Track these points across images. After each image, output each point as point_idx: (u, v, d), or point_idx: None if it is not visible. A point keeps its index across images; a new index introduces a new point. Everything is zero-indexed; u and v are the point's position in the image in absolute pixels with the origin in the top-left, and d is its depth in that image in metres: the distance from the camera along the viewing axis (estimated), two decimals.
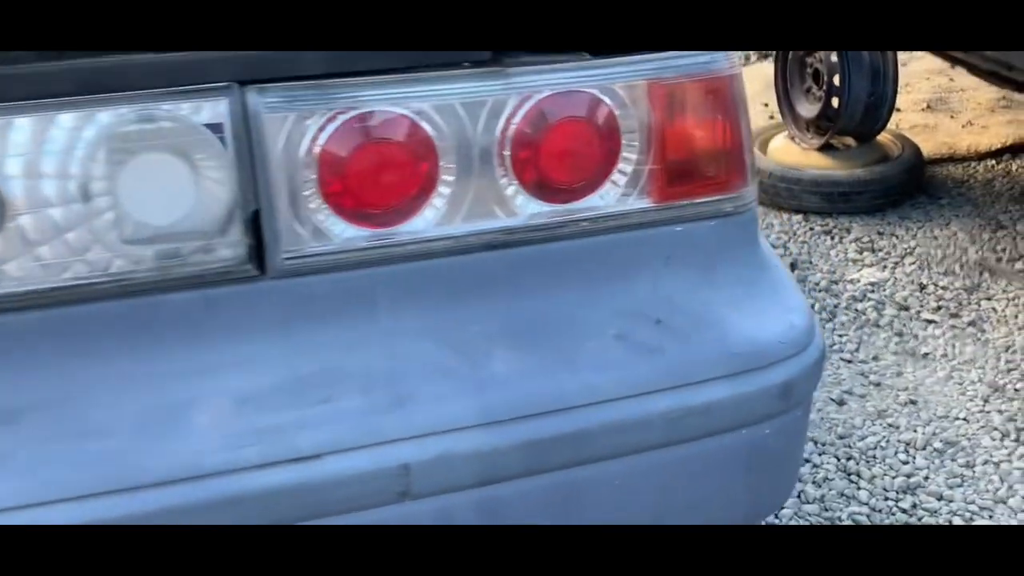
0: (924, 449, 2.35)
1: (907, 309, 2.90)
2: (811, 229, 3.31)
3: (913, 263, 3.12)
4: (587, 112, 1.26)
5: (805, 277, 3.03)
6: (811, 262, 3.12)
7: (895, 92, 3.51)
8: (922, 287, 3.00)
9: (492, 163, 1.24)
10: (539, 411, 1.21)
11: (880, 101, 3.47)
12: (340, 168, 1.19)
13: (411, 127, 1.20)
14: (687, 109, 1.30)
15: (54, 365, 1.14)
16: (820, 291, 2.98)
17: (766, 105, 4.20)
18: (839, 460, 2.31)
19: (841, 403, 2.51)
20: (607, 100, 1.26)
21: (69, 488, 1.08)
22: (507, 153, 1.24)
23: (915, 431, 2.40)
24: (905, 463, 2.31)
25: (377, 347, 1.23)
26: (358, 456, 1.15)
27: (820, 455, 2.33)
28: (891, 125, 3.65)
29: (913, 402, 2.51)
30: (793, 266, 3.07)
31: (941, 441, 2.37)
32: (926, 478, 2.26)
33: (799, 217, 3.37)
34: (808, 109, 3.59)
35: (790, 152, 3.59)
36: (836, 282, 3.02)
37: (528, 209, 1.27)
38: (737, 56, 1.34)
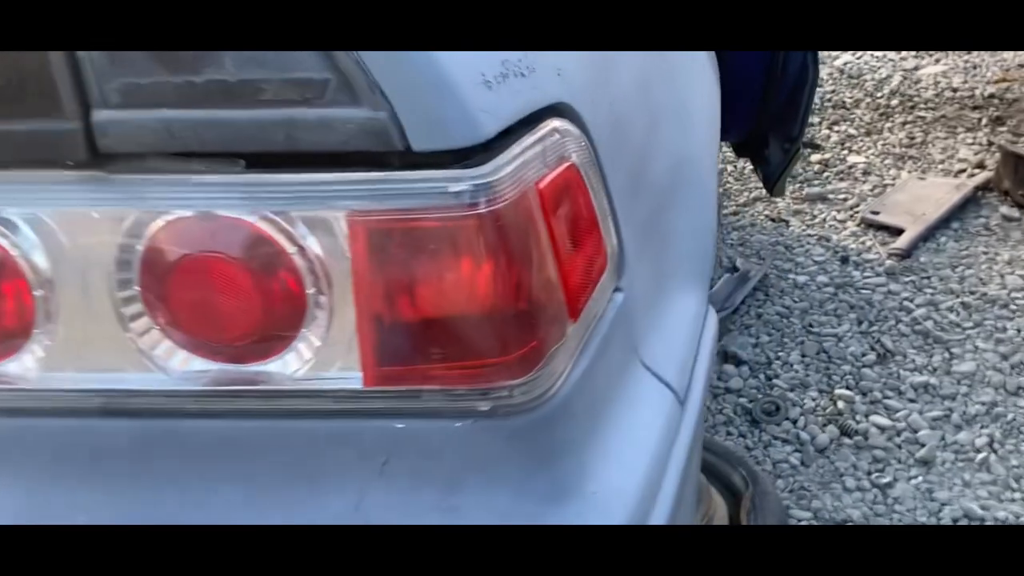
0: None
1: None
2: None
3: None
4: (242, 247, 0.85)
5: None
6: None
7: None
8: None
9: (111, 299, 0.88)
10: None
11: None
12: None
13: None
14: (406, 257, 0.85)
15: None
16: None
17: None
18: None
19: None
20: (274, 234, 0.85)
21: None
22: (134, 290, 0.87)
23: None
24: None
25: None
26: None
27: None
28: None
29: None
30: None
31: None
32: None
33: None
34: None
35: None
36: None
37: (174, 365, 0.89)
38: (511, 186, 0.86)
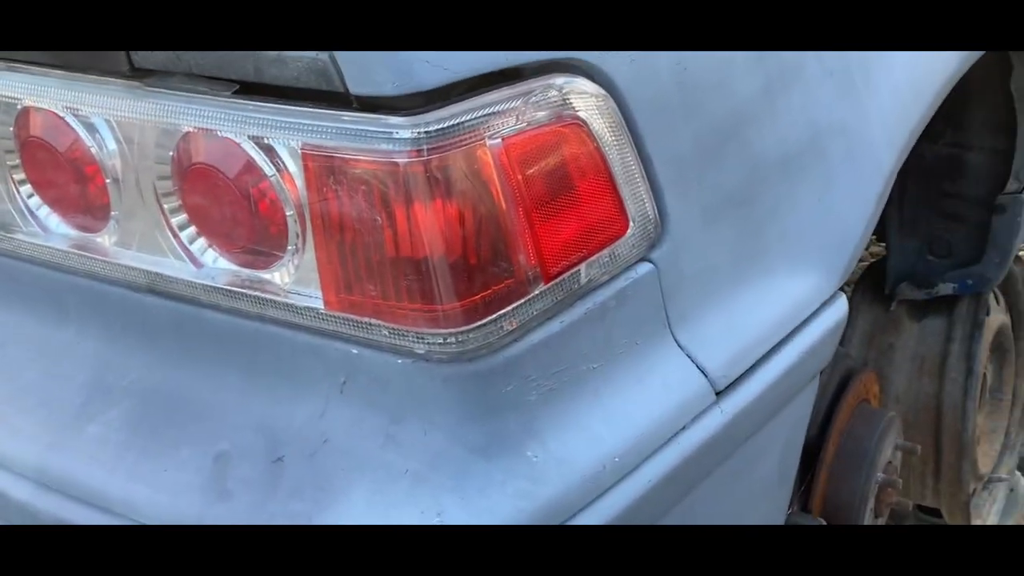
0: None
1: None
2: None
3: None
4: (227, 163, 0.95)
5: None
6: None
7: None
8: None
9: (154, 192, 1.02)
10: (81, 499, 1.02)
11: None
12: (32, 163, 1.10)
13: (72, 134, 1.04)
14: (350, 194, 0.89)
15: None
16: None
17: None
18: None
19: None
20: (254, 155, 0.93)
21: None
22: (172, 188, 1.01)
23: None
24: None
25: (41, 356, 1.14)
26: None
27: None
28: None
29: None
30: None
31: None
32: None
33: None
34: None
35: None
36: None
37: (202, 259, 1.03)
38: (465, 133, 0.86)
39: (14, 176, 1.12)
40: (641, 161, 0.98)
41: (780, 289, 1.13)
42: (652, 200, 1.00)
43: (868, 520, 1.48)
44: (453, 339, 0.90)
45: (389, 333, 0.92)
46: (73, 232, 1.12)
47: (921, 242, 1.85)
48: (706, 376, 1.04)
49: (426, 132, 0.86)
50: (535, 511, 0.91)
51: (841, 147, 1.19)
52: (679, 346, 1.04)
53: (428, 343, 0.91)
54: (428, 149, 0.86)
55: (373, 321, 0.93)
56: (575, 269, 0.95)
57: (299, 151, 0.90)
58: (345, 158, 0.88)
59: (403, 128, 0.86)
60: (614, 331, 0.99)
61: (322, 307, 0.95)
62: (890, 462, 1.53)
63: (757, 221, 1.11)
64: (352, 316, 0.94)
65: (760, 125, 1.10)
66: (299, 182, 0.92)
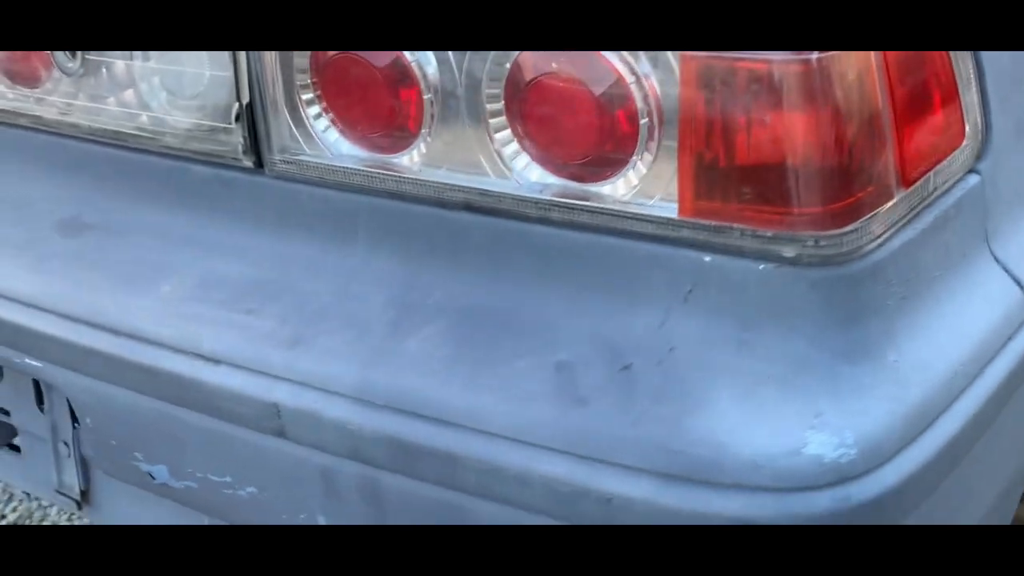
0: None
1: None
2: None
3: None
4: (586, 72, 0.95)
5: None
6: None
7: None
8: None
9: (480, 109, 1.02)
10: (413, 411, 1.01)
11: None
12: (334, 83, 1.09)
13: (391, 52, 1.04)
14: (733, 98, 0.90)
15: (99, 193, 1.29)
16: None
17: None
18: None
19: None
20: (618, 64, 0.93)
21: (59, 302, 1.23)
22: (500, 104, 1.01)
23: None
24: None
25: (331, 279, 1.13)
26: (242, 377, 1.10)
27: None
28: None
29: None
30: None
31: None
32: None
33: None
34: None
35: None
36: None
37: (526, 175, 1.02)
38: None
39: (302, 96, 1.11)
40: (977, 71, 0.99)
41: None
42: (982, 111, 1.01)
43: None
44: (827, 241, 0.91)
45: (753, 238, 0.93)
46: (364, 153, 1.11)
47: None
48: (1021, 289, 1.05)
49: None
50: (906, 414, 0.91)
51: None
52: (995, 259, 1.05)
53: (800, 245, 0.91)
54: (812, 59, 0.87)
55: (735, 226, 0.93)
56: (926, 176, 0.96)
57: (678, 54, 0.90)
58: (730, 59, 0.88)
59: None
60: (951, 240, 1.00)
61: (675, 215, 0.95)
62: None
63: None
64: (711, 222, 0.94)
65: None
66: (663, 88, 0.92)
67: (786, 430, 0.90)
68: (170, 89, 1.19)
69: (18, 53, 1.30)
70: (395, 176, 1.08)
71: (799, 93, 0.87)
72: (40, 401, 1.39)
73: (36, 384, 1.37)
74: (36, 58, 1.29)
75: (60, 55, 1.25)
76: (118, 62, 1.23)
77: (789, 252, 0.92)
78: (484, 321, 1.05)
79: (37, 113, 1.33)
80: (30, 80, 1.32)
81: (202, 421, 1.14)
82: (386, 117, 1.07)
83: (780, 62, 0.87)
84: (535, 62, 0.96)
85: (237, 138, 1.15)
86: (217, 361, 1.11)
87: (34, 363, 1.29)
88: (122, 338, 1.18)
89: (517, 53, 0.97)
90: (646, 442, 0.92)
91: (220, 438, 1.14)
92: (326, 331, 1.09)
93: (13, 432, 1.50)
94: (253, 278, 1.16)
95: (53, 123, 1.32)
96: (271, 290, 1.14)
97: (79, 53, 1.24)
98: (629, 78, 0.93)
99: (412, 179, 1.07)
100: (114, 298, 1.20)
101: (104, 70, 1.25)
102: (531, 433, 0.96)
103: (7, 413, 1.46)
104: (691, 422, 0.92)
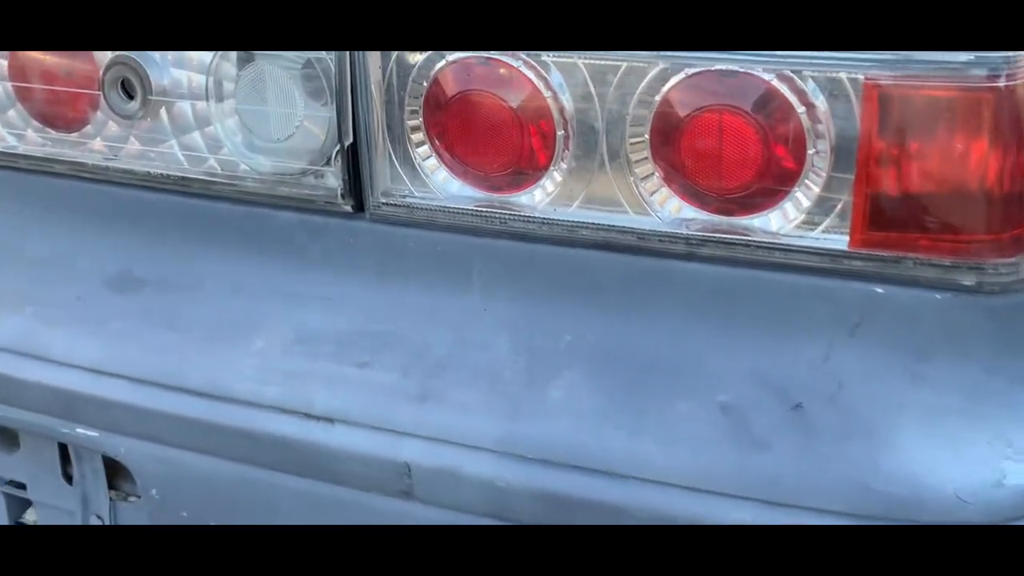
0: None
1: None
2: None
3: None
4: (755, 103, 0.92)
5: None
6: None
7: None
8: None
9: (622, 143, 0.97)
10: (570, 463, 0.96)
11: None
12: (454, 121, 1.03)
13: (528, 84, 0.99)
14: (917, 125, 0.88)
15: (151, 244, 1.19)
16: None
17: None
18: None
19: None
20: (787, 92, 0.91)
21: (129, 365, 1.13)
22: (644, 137, 0.96)
23: None
24: None
25: (447, 327, 1.06)
26: (363, 436, 1.02)
27: None
28: None
29: None
30: None
31: None
32: None
33: None
34: None
35: None
36: None
37: (668, 211, 0.98)
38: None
39: (411, 136, 1.05)
40: None
41: None
42: None
43: None
44: (1007, 268, 0.90)
45: (931, 267, 0.91)
46: (480, 193, 1.05)
47: None
48: None
49: (1004, 60, 0.85)
50: None
51: None
52: None
53: (979, 273, 0.90)
54: (1006, 76, 0.86)
55: (911, 256, 0.91)
56: None
57: (859, 81, 0.88)
58: (914, 85, 0.87)
59: (984, 64, 0.85)
60: None
61: (845, 246, 0.93)
62: None
63: None
64: (884, 252, 0.92)
65: None
66: (835, 115, 0.90)
67: (983, 462, 0.88)
68: (251, 129, 1.11)
69: (63, 95, 1.19)
70: (519, 216, 1.03)
71: (986, 118, 0.86)
72: (67, 472, 1.28)
73: (63, 454, 1.26)
74: (83, 100, 1.19)
75: (114, 95, 1.16)
76: (181, 102, 1.15)
77: (968, 280, 0.91)
78: (628, 364, 1.00)
79: (76, 159, 1.23)
80: (72, 123, 1.22)
81: (306, 486, 1.06)
82: (513, 155, 1.02)
83: (968, 88, 0.86)
84: (694, 92, 0.93)
85: (334, 181, 1.08)
86: (331, 420, 1.03)
87: (88, 432, 1.18)
88: (207, 400, 1.09)
89: (667, 88, 0.94)
90: (840, 483, 0.89)
91: (329, 503, 1.06)
92: (455, 382, 1.02)
93: (26, 506, 1.39)
94: (357, 329, 1.09)
95: (96, 169, 1.22)
96: (381, 341, 1.07)
97: (138, 94, 1.15)
98: (799, 107, 0.90)
99: (540, 218, 1.02)
100: (196, 357, 1.11)
101: (164, 111, 1.16)
102: (710, 481, 0.92)
103: (22, 486, 1.34)
104: (883, 460, 0.89)
